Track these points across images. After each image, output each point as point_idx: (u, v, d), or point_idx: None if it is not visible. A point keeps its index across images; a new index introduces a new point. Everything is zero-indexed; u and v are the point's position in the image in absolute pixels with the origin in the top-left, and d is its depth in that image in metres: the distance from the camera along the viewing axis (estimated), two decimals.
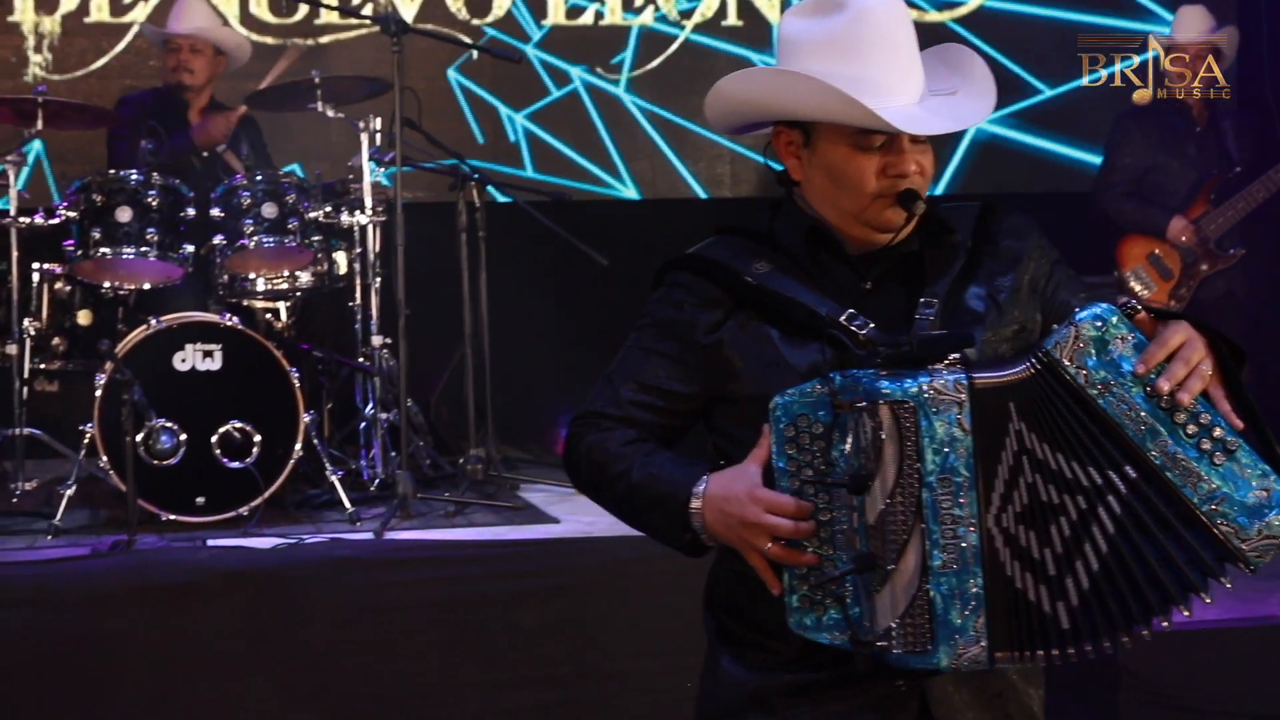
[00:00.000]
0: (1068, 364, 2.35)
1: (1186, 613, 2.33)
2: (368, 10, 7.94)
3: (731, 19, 8.49)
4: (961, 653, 2.31)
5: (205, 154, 6.76)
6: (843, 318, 2.48)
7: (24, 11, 7.71)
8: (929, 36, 2.65)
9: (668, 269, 2.71)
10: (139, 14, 7.83)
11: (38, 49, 7.76)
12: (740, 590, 2.61)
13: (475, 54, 8.11)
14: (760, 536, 2.41)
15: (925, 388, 2.31)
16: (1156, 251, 7.09)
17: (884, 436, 2.31)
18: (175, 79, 6.94)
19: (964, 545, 2.31)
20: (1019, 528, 2.34)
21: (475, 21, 8.21)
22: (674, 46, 8.43)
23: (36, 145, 6.39)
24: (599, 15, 8.37)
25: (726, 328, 2.59)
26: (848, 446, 2.34)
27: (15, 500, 6.07)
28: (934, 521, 2.31)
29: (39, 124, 6.27)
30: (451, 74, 8.18)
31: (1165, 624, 2.34)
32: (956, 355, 2.37)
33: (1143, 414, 2.35)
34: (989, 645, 2.31)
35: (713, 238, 2.72)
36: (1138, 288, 7.02)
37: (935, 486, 2.31)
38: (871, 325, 2.46)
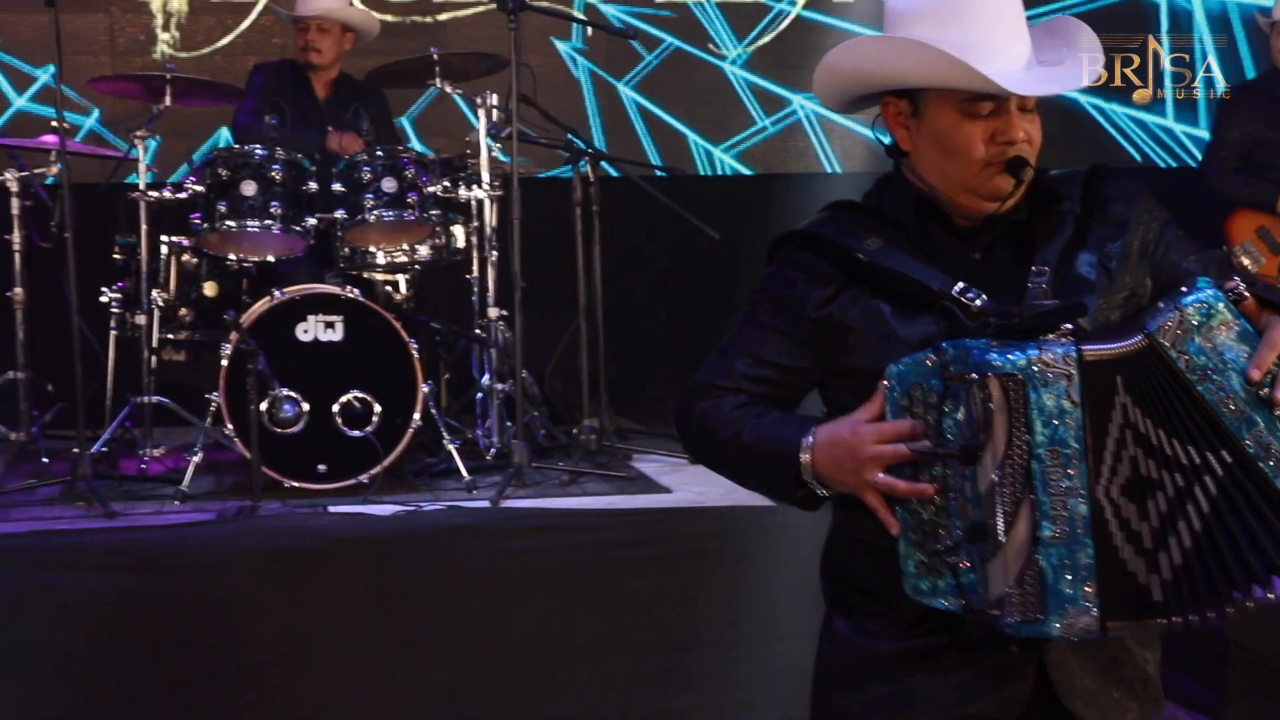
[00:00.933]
0: (1169, 347, 2.36)
1: (1271, 595, 2.35)
2: None
3: None
4: (1073, 622, 2.33)
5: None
6: (955, 290, 2.50)
7: None
8: None
9: (780, 245, 2.73)
10: None
11: (165, 27, 7.92)
12: (856, 556, 2.64)
13: (589, 30, 8.19)
14: (871, 468, 2.43)
15: (1034, 360, 2.32)
16: (1265, 225, 7.06)
17: (993, 409, 2.33)
18: (304, 58, 7.05)
19: (1074, 516, 2.32)
20: (1123, 500, 2.35)
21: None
22: (785, 23, 8.46)
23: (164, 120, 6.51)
24: None
25: (837, 302, 2.60)
26: (960, 417, 2.36)
27: (144, 467, 6.21)
28: (1043, 492, 2.32)
29: (167, 100, 6.42)
30: (565, 49, 8.25)
31: (1271, 595, 2.35)
32: (1068, 325, 2.39)
33: (1241, 403, 2.36)
34: (1100, 614, 2.33)
35: (824, 212, 2.74)
36: (1246, 262, 6.98)
37: (1044, 458, 2.32)
38: (984, 296, 2.48)
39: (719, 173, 8.46)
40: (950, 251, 2.62)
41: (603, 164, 6.96)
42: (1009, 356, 2.34)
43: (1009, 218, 2.61)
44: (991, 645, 2.46)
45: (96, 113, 7.77)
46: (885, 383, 2.44)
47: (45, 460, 6.28)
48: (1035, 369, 2.33)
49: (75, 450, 5.89)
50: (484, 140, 6.42)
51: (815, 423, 2.56)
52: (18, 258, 6.68)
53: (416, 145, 7.54)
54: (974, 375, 2.34)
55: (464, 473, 5.93)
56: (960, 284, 2.51)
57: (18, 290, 6.68)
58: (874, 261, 2.59)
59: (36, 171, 6.67)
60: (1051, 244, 2.59)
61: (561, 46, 8.24)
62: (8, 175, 6.63)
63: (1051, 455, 2.34)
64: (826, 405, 2.70)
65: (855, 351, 2.59)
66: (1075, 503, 2.34)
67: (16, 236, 6.66)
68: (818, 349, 2.64)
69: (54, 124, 6.18)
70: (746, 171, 8.49)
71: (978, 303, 2.48)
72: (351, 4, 7.42)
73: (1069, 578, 2.33)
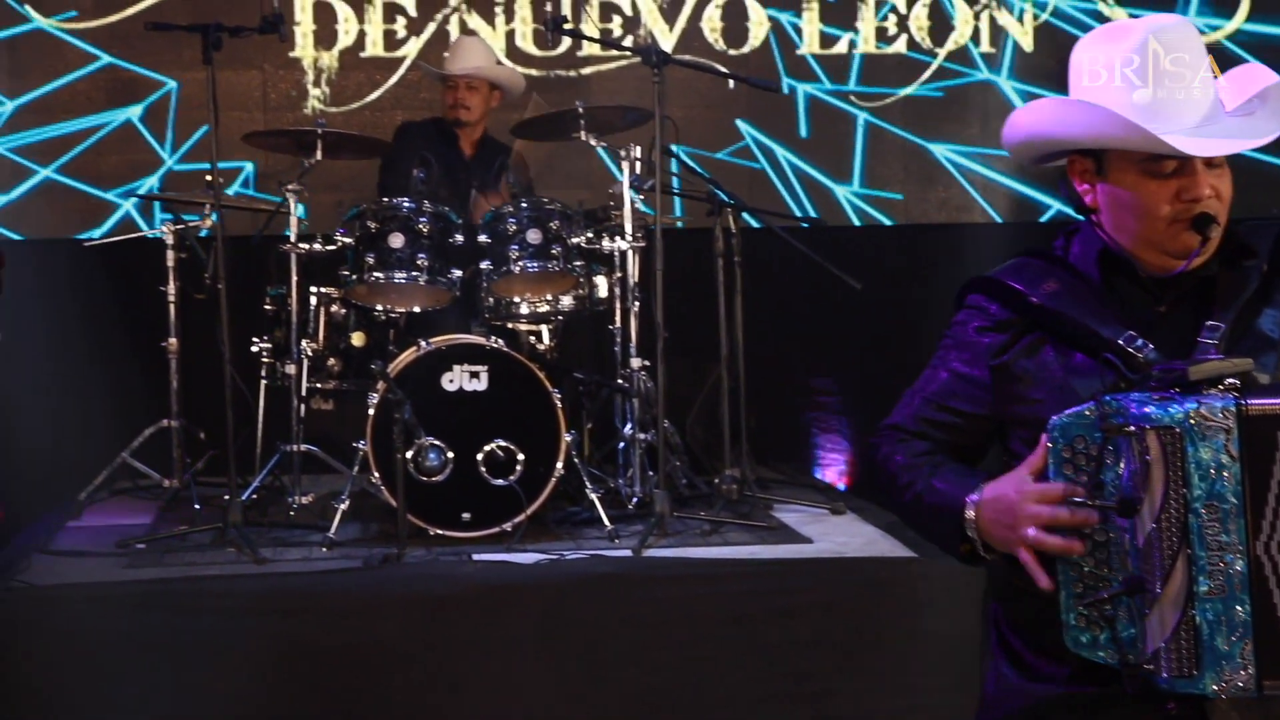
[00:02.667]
0: None
1: None
2: (628, 42, 8.11)
3: (985, 45, 8.48)
4: (1228, 680, 2.31)
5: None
6: (1121, 340, 2.49)
7: (304, 48, 8.04)
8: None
9: (966, 290, 2.75)
10: (411, 48, 8.11)
11: (316, 83, 8.08)
12: (1021, 605, 2.64)
13: (732, 83, 8.24)
14: (1025, 525, 2.43)
15: (1192, 414, 2.32)
16: None
17: (1151, 461, 2.32)
18: (453, 115, 7.17)
19: (1231, 572, 2.31)
20: None
21: (732, 52, 8.33)
22: (927, 73, 8.45)
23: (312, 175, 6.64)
24: (852, 44, 8.43)
25: (1013, 350, 2.63)
26: (1119, 470, 2.36)
27: (293, 513, 6.31)
28: (1200, 547, 2.31)
29: (318, 154, 6.54)
30: (710, 102, 8.29)
31: None
32: (1233, 380, 2.37)
33: None
34: (1256, 673, 2.31)
35: (1013, 259, 2.74)
36: None
37: (1201, 512, 2.32)
38: (1150, 348, 2.47)
39: (860, 223, 8.45)
40: (1135, 304, 2.61)
41: (744, 215, 6.99)
42: (1167, 409, 2.33)
43: (1198, 272, 2.60)
44: (1151, 701, 2.44)
45: (250, 167, 7.93)
46: (1048, 435, 2.45)
47: (197, 506, 6.41)
48: (1193, 422, 2.32)
49: (226, 497, 5.99)
50: (627, 192, 6.46)
51: (985, 479, 2.57)
52: (172, 308, 6.82)
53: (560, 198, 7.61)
54: (1132, 428, 2.34)
55: (606, 521, 5.96)
56: (1129, 333, 2.50)
57: (172, 340, 6.82)
58: (1045, 306, 2.59)
59: (191, 224, 6.82)
60: (1233, 301, 2.57)
61: (705, 99, 8.27)
62: (163, 228, 6.80)
63: (1209, 510, 2.33)
64: (1005, 454, 2.71)
65: (1027, 401, 2.61)
66: (1233, 558, 2.32)
67: (171, 288, 6.80)
68: (995, 397, 2.66)
69: (208, 178, 6.32)
70: (888, 222, 8.48)
71: (1143, 354, 2.47)
72: (499, 62, 7.52)
73: (1225, 634, 2.31)
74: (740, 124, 8.37)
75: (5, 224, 7.84)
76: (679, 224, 7.54)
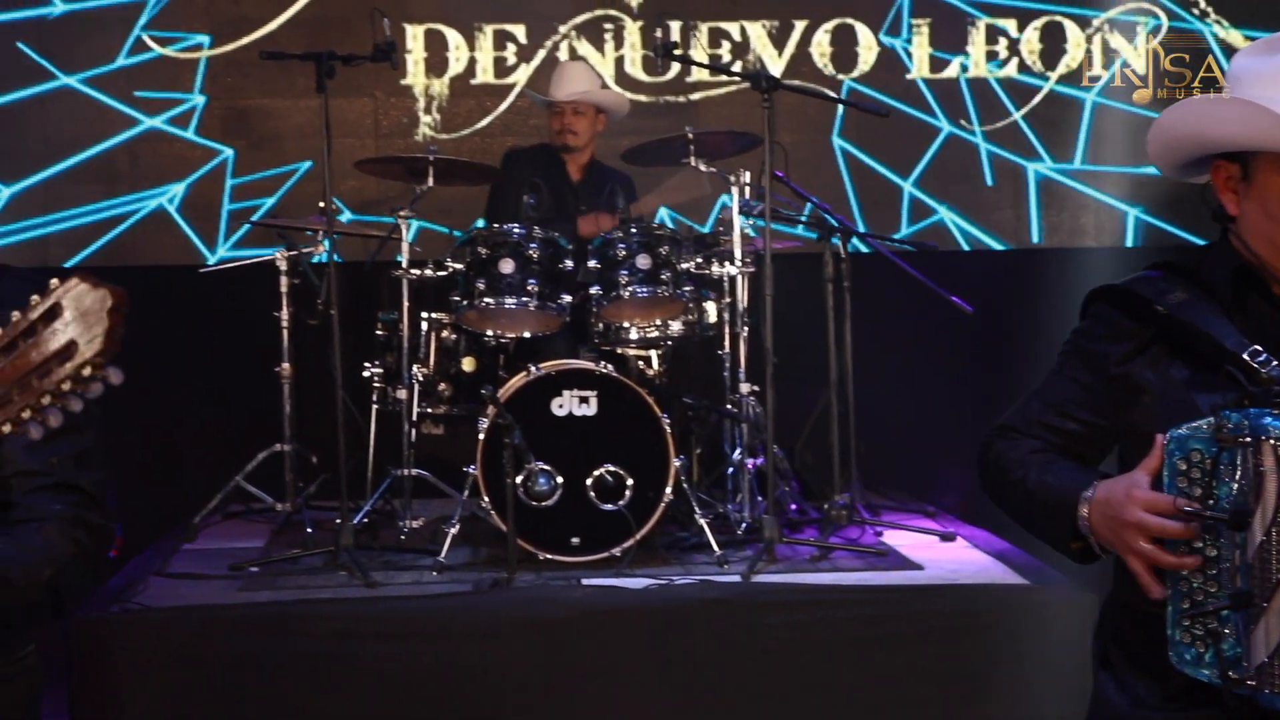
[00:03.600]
0: None
1: None
2: (737, 67, 8.12)
3: (1096, 69, 8.41)
4: None
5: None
6: (1246, 354, 2.45)
7: (415, 75, 8.13)
8: None
9: (1091, 299, 2.73)
10: (521, 75, 8.17)
11: (427, 110, 8.16)
12: (1130, 622, 2.61)
13: (842, 108, 8.23)
14: (1136, 534, 2.41)
15: None
16: None
17: (1265, 472, 2.29)
18: (560, 140, 7.21)
19: None
20: None
21: (841, 76, 8.33)
22: (1038, 97, 8.40)
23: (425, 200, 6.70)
24: (963, 68, 8.40)
25: (1137, 361, 2.60)
26: (1232, 482, 2.33)
27: (404, 537, 6.36)
28: None
29: (429, 181, 6.58)
30: (820, 127, 8.29)
31: None
32: None
33: None
34: None
35: (1142, 270, 2.72)
36: None
37: None
38: (1276, 365, 2.43)
39: (970, 247, 8.40)
40: (1268, 323, 2.57)
41: (853, 239, 6.97)
42: None
43: None
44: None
45: (362, 192, 8.01)
46: (1165, 444, 2.42)
47: (309, 530, 6.48)
48: None
49: (338, 521, 6.04)
50: (736, 217, 6.46)
51: (1100, 476, 2.55)
52: (285, 334, 6.90)
53: (668, 222, 7.62)
54: (1247, 438, 2.31)
55: (715, 547, 5.95)
56: (1254, 347, 2.46)
57: (285, 365, 6.90)
58: (1172, 315, 2.56)
59: (304, 250, 6.90)
60: None
61: (815, 124, 8.27)
62: (277, 254, 6.88)
63: None
64: (1121, 467, 2.67)
65: (1148, 412, 2.58)
66: None
67: (285, 313, 6.88)
68: (1113, 406, 2.63)
69: (321, 204, 6.39)
70: (998, 246, 8.42)
71: (1268, 370, 2.43)
72: (605, 86, 7.55)
73: None
74: (850, 149, 8.35)
75: (124, 251, 7.98)
76: (788, 249, 7.52)
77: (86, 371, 1.85)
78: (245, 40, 8.01)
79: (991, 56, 8.40)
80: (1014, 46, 8.41)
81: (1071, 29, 8.40)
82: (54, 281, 1.88)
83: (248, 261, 7.20)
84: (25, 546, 2.31)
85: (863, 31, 8.34)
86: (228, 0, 8.06)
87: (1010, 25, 8.40)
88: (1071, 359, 2.72)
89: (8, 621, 2.27)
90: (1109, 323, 2.65)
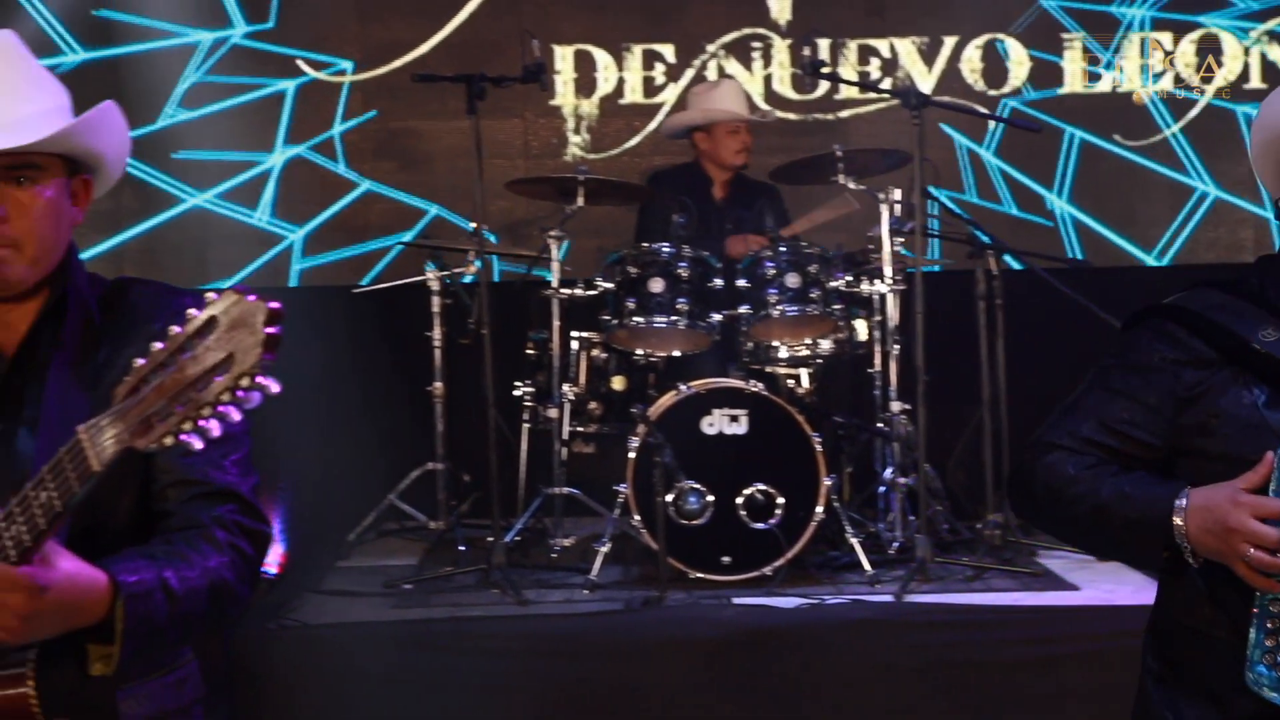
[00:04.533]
0: None
1: None
2: (886, 84, 8.08)
3: (1255, 82, 8.26)
4: None
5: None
6: None
7: (565, 96, 8.18)
8: None
9: (1150, 315, 2.66)
10: (669, 94, 8.19)
11: (576, 130, 8.21)
12: (1187, 643, 2.57)
13: (992, 124, 8.16)
14: (1243, 542, 2.35)
15: None
16: None
17: None
18: (738, 160, 7.21)
19: None
20: None
21: (992, 92, 8.25)
22: (1194, 111, 8.27)
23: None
24: (1116, 82, 8.29)
25: (1209, 385, 2.53)
26: None
27: (555, 555, 6.39)
28: None
29: (579, 200, 6.62)
30: (968, 143, 8.22)
31: None
32: None
33: None
34: None
35: (1193, 292, 2.66)
36: None
37: None
38: None
39: (1124, 263, 8.28)
40: None
41: (1005, 256, 6.90)
42: None
43: None
44: None
45: (512, 213, 8.07)
46: (1272, 457, 2.38)
47: (462, 548, 6.54)
48: None
49: (490, 539, 6.08)
50: (886, 235, 6.42)
51: (1180, 484, 2.48)
52: (438, 353, 6.96)
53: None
54: None
55: (867, 566, 5.92)
56: None
57: (437, 384, 6.96)
58: (1271, 355, 2.50)
59: (456, 271, 6.96)
60: None
61: (964, 140, 8.21)
62: (429, 275, 6.95)
63: None
64: None
65: (1217, 436, 2.52)
66: None
67: (437, 333, 6.95)
68: (1177, 429, 2.57)
69: (472, 225, 6.44)
70: (1153, 262, 8.29)
71: None
72: (750, 102, 7.55)
73: None
74: (1001, 164, 8.27)
75: (281, 272, 8.11)
76: (939, 266, 7.47)
77: (244, 383, 1.88)
78: (396, 63, 8.11)
79: (1146, 70, 8.27)
80: (1169, 60, 8.28)
81: (1229, 42, 8.26)
82: (210, 295, 1.92)
83: (401, 282, 7.27)
84: (185, 554, 2.34)
85: (1013, 46, 8.26)
86: (379, 25, 8.16)
87: (1166, 38, 8.27)
88: (1121, 372, 2.64)
89: (171, 630, 2.31)
90: (1180, 344, 2.58)
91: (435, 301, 6.95)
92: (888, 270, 6.43)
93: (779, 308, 6.37)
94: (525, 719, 5.17)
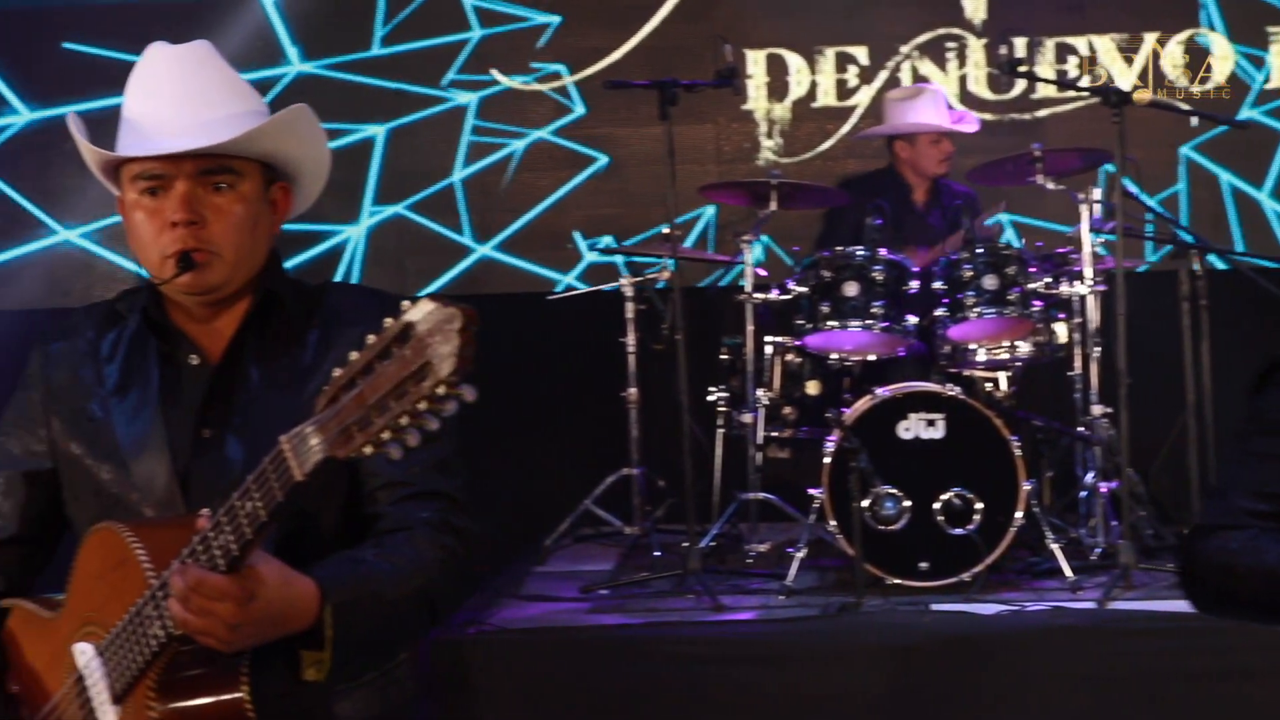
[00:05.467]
0: None
1: None
2: (1085, 82, 7.95)
3: None
4: None
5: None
6: None
7: (757, 100, 8.16)
8: None
9: (1276, 371, 2.52)
10: (863, 97, 8.13)
11: (769, 134, 8.18)
12: None
13: (1194, 120, 7.97)
14: None
15: None
16: None
17: None
18: (939, 170, 7.19)
19: None
20: None
21: (1195, 89, 8.07)
22: None
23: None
24: None
25: None
26: None
27: (750, 561, 6.37)
28: None
29: (772, 205, 6.60)
30: (1173, 141, 8.05)
31: None
32: None
33: None
34: None
35: None
36: None
37: None
38: None
39: None
40: None
41: (1210, 256, 6.73)
42: None
43: None
44: None
45: (705, 218, 8.07)
46: None
47: (657, 553, 6.54)
48: None
49: (685, 544, 6.08)
50: (1086, 235, 6.31)
51: None
52: (631, 359, 6.98)
53: (1015, 242, 7.48)
54: None
55: (1068, 573, 5.82)
56: None
57: (632, 390, 6.98)
58: None
59: (649, 276, 6.98)
60: None
61: (1167, 138, 8.03)
62: (623, 281, 6.97)
63: None
64: None
65: None
66: None
67: (631, 339, 6.97)
68: None
69: (665, 230, 6.45)
70: None
71: None
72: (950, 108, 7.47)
73: None
74: (1206, 163, 8.08)
75: (477, 280, 8.20)
76: (1141, 267, 7.32)
77: (441, 391, 1.88)
78: (590, 70, 8.16)
79: None
80: None
81: None
82: (405, 304, 1.93)
83: (594, 288, 7.31)
84: (394, 557, 2.36)
85: (1217, 41, 8.07)
86: (574, 32, 8.21)
87: None
88: (1272, 439, 2.49)
89: (383, 634, 2.33)
90: None
91: (629, 307, 6.97)
92: (1088, 271, 6.33)
93: (976, 310, 6.29)
94: None
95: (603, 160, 8.25)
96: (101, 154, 2.51)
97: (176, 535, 2.22)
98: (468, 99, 8.23)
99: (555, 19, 8.22)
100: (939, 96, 7.35)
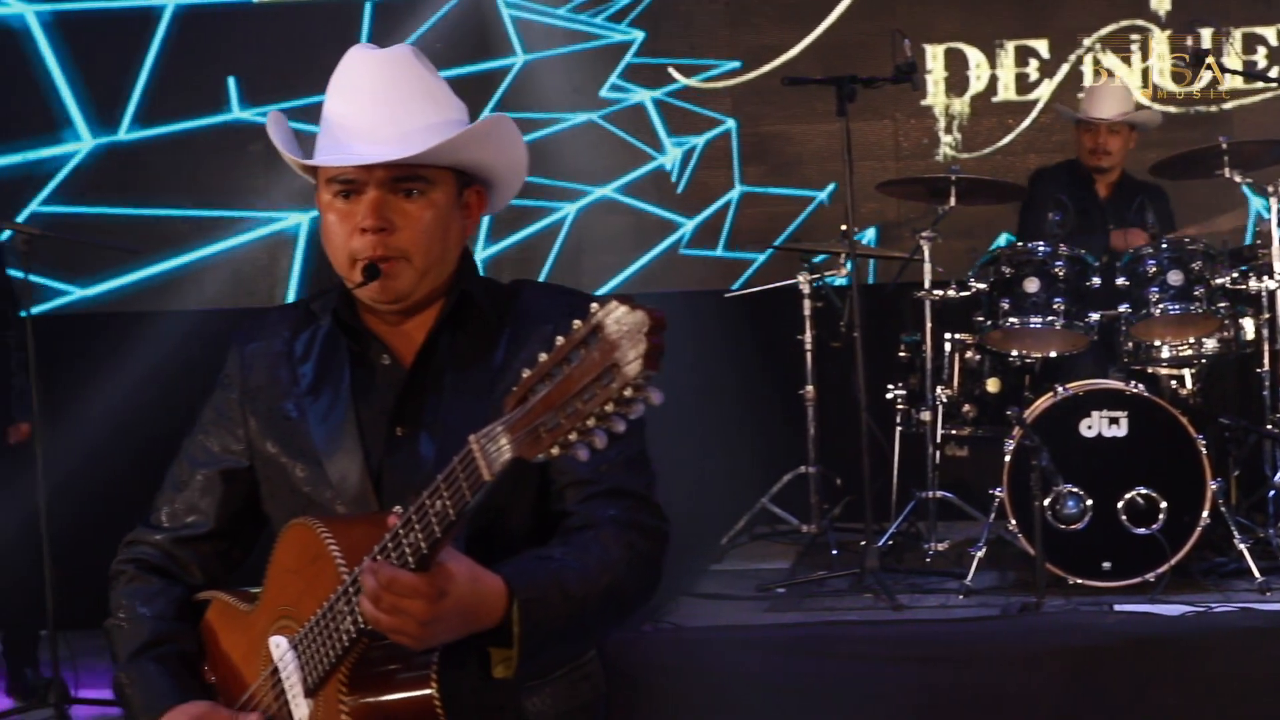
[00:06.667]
0: None
1: None
2: (1275, 72, 7.78)
3: None
4: None
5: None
6: None
7: (936, 95, 8.09)
8: None
9: None
10: (1044, 91, 8.03)
11: (948, 130, 8.11)
12: None
13: None
14: None
15: None
16: None
17: None
18: (1092, 161, 7.07)
19: None
20: None
21: None
22: None
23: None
24: None
25: None
26: None
27: (928, 560, 6.34)
28: None
29: (951, 201, 6.55)
30: None
31: None
32: None
33: None
34: None
35: None
36: None
37: None
38: None
39: None
40: None
41: None
42: None
43: None
44: None
45: (882, 215, 8.03)
46: None
47: (835, 552, 6.52)
48: None
49: (863, 543, 6.06)
50: (1275, 229, 6.18)
51: None
52: (809, 357, 6.96)
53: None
54: None
55: (1256, 573, 5.71)
56: None
57: (809, 388, 6.96)
58: None
59: (827, 274, 6.95)
60: None
61: None
62: (800, 278, 6.96)
63: None
64: None
65: None
66: None
67: (808, 336, 6.95)
68: None
69: (843, 228, 6.43)
70: None
71: None
72: (1138, 105, 7.36)
73: None
74: None
75: (652, 278, 8.22)
76: None
77: (628, 393, 1.89)
78: (766, 68, 8.14)
79: None
80: None
81: None
82: (593, 306, 1.93)
83: (772, 286, 7.31)
84: (582, 555, 2.37)
85: None
86: (750, 30, 8.20)
87: None
88: None
89: (569, 631, 2.34)
90: None
91: (806, 305, 6.95)
92: (1277, 266, 6.19)
93: (1161, 306, 6.19)
94: None
95: (778, 157, 8.23)
96: (295, 160, 2.55)
97: (369, 532, 2.25)
98: (649, 95, 8.26)
99: (728, 16, 8.22)
100: (1124, 88, 7.24)
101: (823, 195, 8.11)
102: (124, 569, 2.67)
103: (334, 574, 2.29)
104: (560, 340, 1.96)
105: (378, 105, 2.49)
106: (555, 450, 1.94)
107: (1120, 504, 5.86)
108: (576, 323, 1.94)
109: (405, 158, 2.44)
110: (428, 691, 2.29)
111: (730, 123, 8.25)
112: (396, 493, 2.37)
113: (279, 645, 2.43)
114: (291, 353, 2.62)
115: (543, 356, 1.97)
